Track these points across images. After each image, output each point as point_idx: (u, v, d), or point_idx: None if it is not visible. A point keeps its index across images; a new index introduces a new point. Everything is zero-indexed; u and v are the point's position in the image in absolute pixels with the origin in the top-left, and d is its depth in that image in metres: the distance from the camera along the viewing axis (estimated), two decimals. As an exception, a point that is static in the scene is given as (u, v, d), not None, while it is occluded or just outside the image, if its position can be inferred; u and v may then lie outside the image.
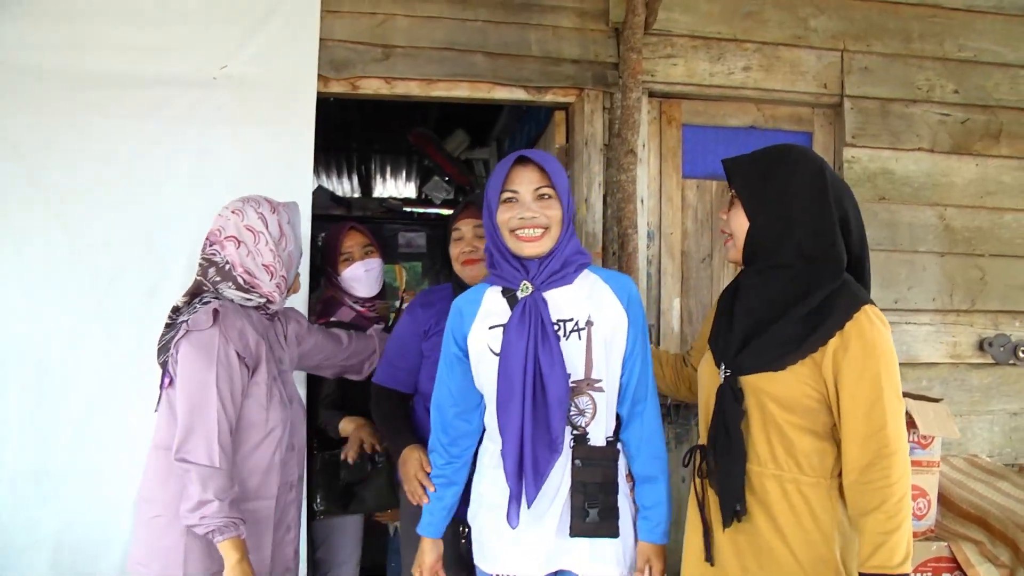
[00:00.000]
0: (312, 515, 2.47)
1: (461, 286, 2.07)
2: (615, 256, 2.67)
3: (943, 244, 2.95)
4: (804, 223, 1.63)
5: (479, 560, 1.82)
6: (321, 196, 4.27)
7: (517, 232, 1.71)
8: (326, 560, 2.53)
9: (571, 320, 1.71)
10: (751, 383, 1.65)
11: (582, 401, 1.70)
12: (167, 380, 1.80)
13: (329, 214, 4.08)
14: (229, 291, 1.87)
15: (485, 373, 1.74)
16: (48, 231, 2.36)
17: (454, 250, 2.19)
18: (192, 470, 1.67)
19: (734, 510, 1.64)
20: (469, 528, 1.86)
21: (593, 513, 1.69)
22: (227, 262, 1.87)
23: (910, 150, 2.96)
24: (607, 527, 1.71)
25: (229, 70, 2.51)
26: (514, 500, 1.68)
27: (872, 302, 1.61)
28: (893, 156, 2.95)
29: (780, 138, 2.95)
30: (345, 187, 7.21)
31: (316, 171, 2.74)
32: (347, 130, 5.44)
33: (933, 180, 2.97)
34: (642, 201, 2.76)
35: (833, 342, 1.57)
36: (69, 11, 2.43)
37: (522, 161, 1.74)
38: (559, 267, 1.72)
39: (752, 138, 2.93)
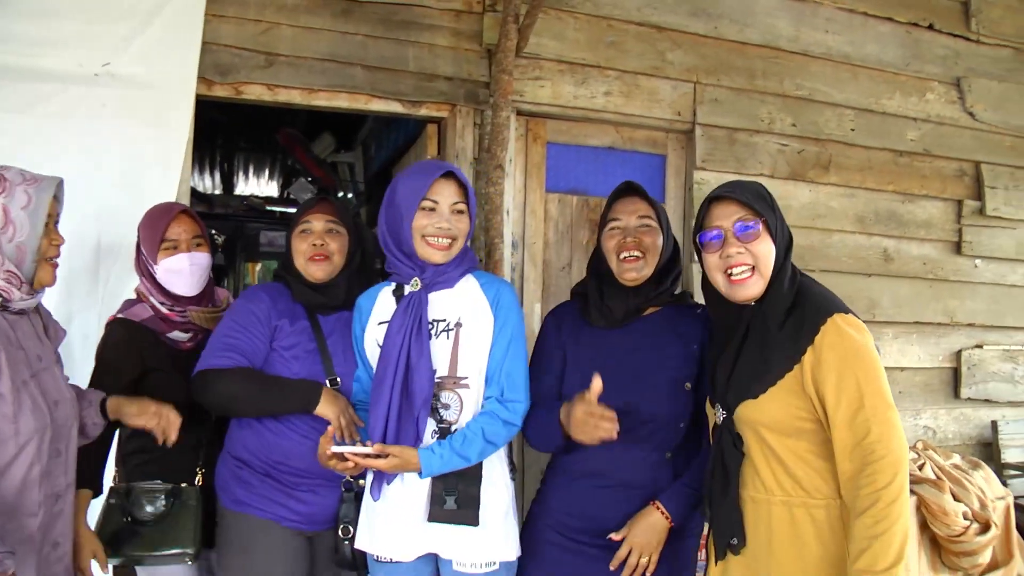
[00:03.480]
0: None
1: (299, 283, 2.05)
2: (482, 264, 2.89)
3: (777, 260, 3.31)
4: (785, 249, 1.65)
5: (359, 540, 1.90)
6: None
7: (429, 239, 1.83)
8: None
9: (443, 321, 1.86)
10: (742, 415, 1.62)
11: (446, 396, 1.84)
12: None
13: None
14: None
15: (374, 366, 1.89)
16: None
17: (301, 244, 2.06)
18: None
19: (728, 543, 1.63)
20: (353, 529, 1.95)
21: (450, 501, 1.78)
22: None
23: (753, 175, 3.30)
24: (465, 515, 1.78)
25: (112, 68, 2.57)
26: (377, 476, 1.84)
27: (843, 309, 1.57)
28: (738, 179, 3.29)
29: (637, 159, 3.26)
30: (207, 183, 7.21)
31: (181, 167, 2.74)
32: (213, 126, 5.46)
33: (771, 203, 3.33)
34: (508, 213, 2.99)
35: (807, 358, 1.53)
36: None
37: (445, 175, 1.86)
38: (450, 270, 1.87)
39: (611, 157, 3.22)
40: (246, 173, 7.14)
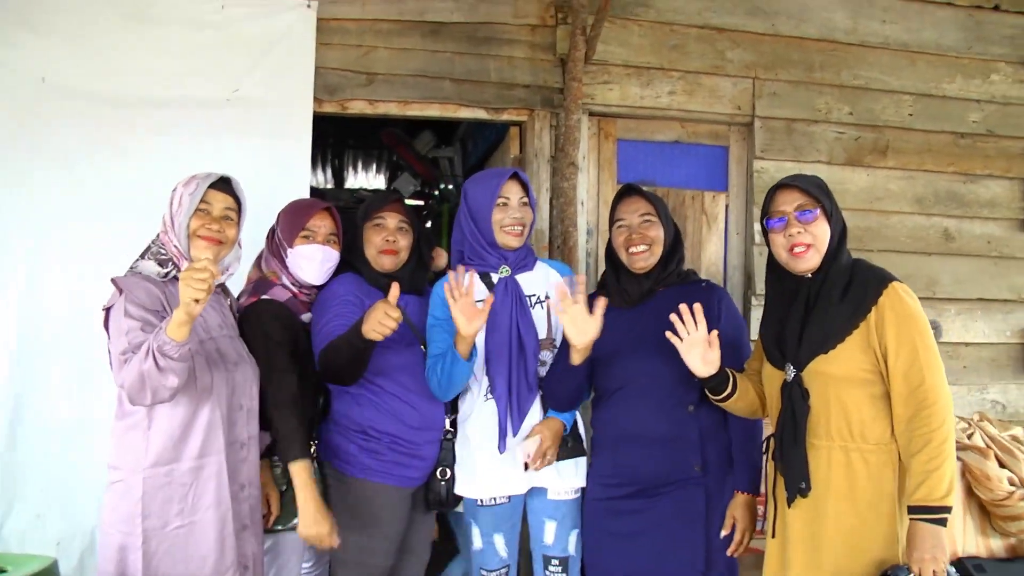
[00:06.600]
0: None
1: (369, 270, 2.31)
2: (559, 250, 3.23)
3: (837, 241, 3.51)
4: (840, 232, 1.93)
5: (465, 490, 2.25)
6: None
7: (506, 229, 2.25)
8: None
9: (534, 295, 2.31)
10: (812, 369, 1.86)
11: (545, 354, 2.28)
12: None
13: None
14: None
15: None
16: (91, 232, 2.82)
17: (375, 236, 2.31)
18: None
19: (799, 488, 1.87)
20: (450, 471, 2.28)
21: (569, 441, 2.24)
22: None
23: (811, 162, 3.51)
24: (577, 449, 2.27)
25: (240, 92, 3.05)
26: (502, 432, 2.19)
27: (898, 279, 1.85)
28: (796, 167, 3.46)
29: (701, 151, 3.53)
30: (319, 178, 7.77)
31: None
32: (322, 125, 6.03)
33: (830, 187, 3.51)
34: (582, 204, 3.32)
35: (872, 317, 1.80)
36: (110, 42, 2.94)
37: (512, 177, 2.28)
38: (525, 256, 2.34)
39: (677, 151, 3.50)
40: (355, 168, 7.73)
